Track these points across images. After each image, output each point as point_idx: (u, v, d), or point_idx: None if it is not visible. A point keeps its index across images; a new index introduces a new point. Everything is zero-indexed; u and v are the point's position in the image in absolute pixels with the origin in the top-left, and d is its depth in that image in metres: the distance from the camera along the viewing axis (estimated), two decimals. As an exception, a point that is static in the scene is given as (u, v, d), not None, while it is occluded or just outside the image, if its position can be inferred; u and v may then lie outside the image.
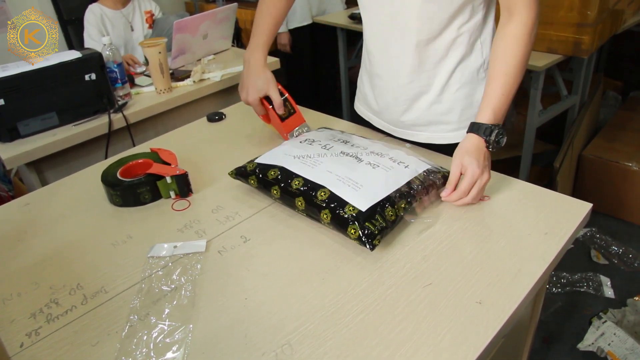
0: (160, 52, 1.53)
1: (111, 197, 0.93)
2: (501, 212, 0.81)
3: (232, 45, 2.08)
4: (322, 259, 0.74)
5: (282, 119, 1.03)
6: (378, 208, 0.74)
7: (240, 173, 0.91)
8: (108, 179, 0.93)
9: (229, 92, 1.77)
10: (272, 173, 0.85)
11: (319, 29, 2.81)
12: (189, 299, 0.68)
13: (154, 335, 0.63)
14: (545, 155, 2.35)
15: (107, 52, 1.47)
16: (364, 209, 0.73)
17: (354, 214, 0.73)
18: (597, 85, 2.42)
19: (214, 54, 2.00)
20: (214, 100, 1.75)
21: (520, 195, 0.85)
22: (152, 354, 0.60)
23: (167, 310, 0.67)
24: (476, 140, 0.82)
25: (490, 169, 0.83)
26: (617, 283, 1.78)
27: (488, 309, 0.63)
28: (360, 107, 1.16)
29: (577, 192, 2.22)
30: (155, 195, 0.93)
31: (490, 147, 0.82)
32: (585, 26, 1.76)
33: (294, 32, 2.78)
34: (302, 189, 0.80)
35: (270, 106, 1.03)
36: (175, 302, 0.68)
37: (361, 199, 0.75)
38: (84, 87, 1.41)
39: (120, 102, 1.52)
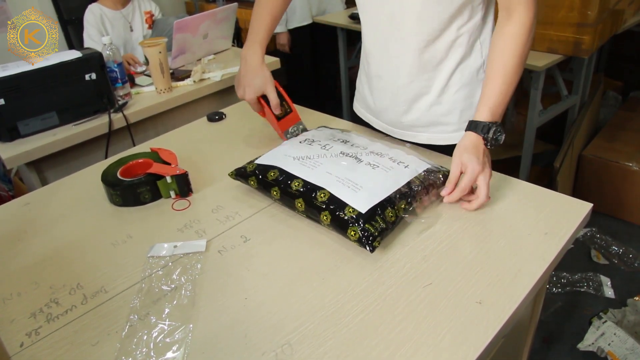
0: (160, 52, 1.53)
1: (111, 196, 0.93)
2: (501, 212, 0.81)
3: (232, 45, 2.08)
4: (322, 259, 0.74)
5: (278, 118, 1.04)
6: (378, 209, 0.74)
7: (240, 174, 0.91)
8: (108, 178, 0.93)
9: (229, 92, 1.77)
10: (272, 174, 0.85)
11: (319, 29, 2.81)
12: (189, 298, 0.68)
13: (154, 335, 0.63)
14: (545, 155, 2.35)
15: (107, 52, 1.47)
16: (363, 211, 0.73)
17: (353, 216, 0.73)
18: (597, 85, 2.42)
19: (214, 54, 2.00)
20: (214, 100, 1.75)
21: (520, 195, 0.85)
22: (152, 354, 0.60)
23: (167, 310, 0.67)
24: (474, 138, 0.82)
25: (490, 166, 0.83)
26: (617, 283, 1.78)
27: (488, 309, 0.63)
28: (359, 108, 1.16)
29: (577, 192, 2.22)
30: (155, 195, 0.93)
31: (489, 144, 0.82)
32: (585, 26, 1.76)
33: (294, 32, 2.78)
34: (301, 190, 0.80)
35: (267, 105, 1.03)
36: (175, 302, 0.68)
37: (361, 201, 0.74)
38: (84, 86, 1.41)
39: (120, 102, 1.52)
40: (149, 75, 1.72)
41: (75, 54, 1.40)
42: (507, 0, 0.82)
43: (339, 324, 0.62)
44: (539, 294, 0.93)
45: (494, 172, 0.91)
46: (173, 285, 0.71)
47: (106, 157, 1.45)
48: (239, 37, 3.11)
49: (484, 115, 0.83)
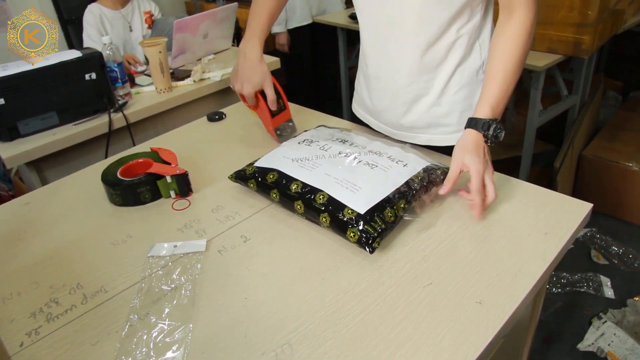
0: (160, 52, 1.53)
1: (111, 196, 0.93)
2: (501, 212, 0.81)
3: (233, 45, 2.08)
4: (322, 259, 0.74)
5: (273, 114, 1.04)
6: (377, 210, 0.74)
7: (240, 177, 0.91)
8: (108, 178, 0.93)
9: (229, 91, 1.77)
10: (271, 177, 0.85)
11: (319, 29, 2.81)
12: (189, 298, 0.68)
13: (153, 335, 0.63)
14: (545, 155, 2.35)
15: (108, 52, 1.47)
16: (362, 212, 0.73)
17: (352, 217, 0.73)
18: (597, 86, 2.42)
19: (214, 54, 2.00)
20: (214, 99, 1.75)
21: (520, 195, 0.85)
22: (152, 354, 0.60)
23: (167, 310, 0.66)
24: (475, 136, 0.82)
25: (492, 163, 0.83)
26: (617, 283, 1.78)
27: (488, 309, 0.63)
28: (358, 110, 1.16)
29: (577, 192, 2.22)
30: (155, 195, 0.93)
31: (489, 141, 0.82)
32: (585, 26, 1.76)
33: (294, 32, 2.78)
34: (300, 192, 0.80)
35: (264, 100, 1.03)
36: (175, 302, 0.68)
37: (360, 202, 0.74)
38: (84, 86, 1.41)
39: (120, 102, 1.52)
40: (149, 75, 1.72)
41: (75, 54, 1.40)
42: (508, 0, 0.82)
43: (339, 323, 0.62)
44: (539, 294, 0.93)
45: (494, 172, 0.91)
46: (173, 285, 0.71)
47: (106, 157, 1.45)
48: (239, 37, 3.09)
49: (484, 112, 0.82)
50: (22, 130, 1.36)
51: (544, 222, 0.78)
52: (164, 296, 0.69)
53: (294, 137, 0.98)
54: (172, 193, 0.93)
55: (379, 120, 1.08)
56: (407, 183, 0.79)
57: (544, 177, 2.20)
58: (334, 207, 0.75)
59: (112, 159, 1.03)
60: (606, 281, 1.79)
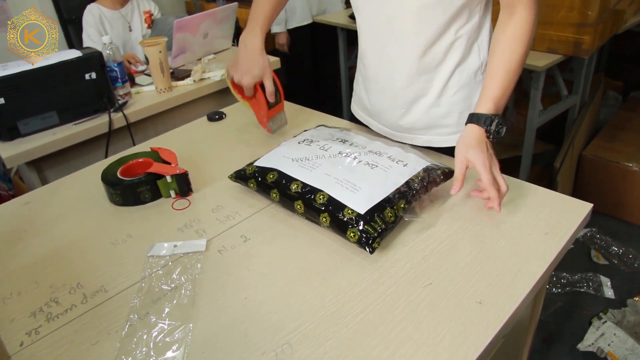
0: (160, 51, 1.53)
1: (111, 196, 0.93)
2: (501, 212, 0.81)
3: (233, 45, 2.08)
4: (322, 259, 0.74)
5: (270, 106, 1.04)
6: (377, 210, 0.74)
7: (240, 176, 0.91)
8: (108, 178, 0.93)
9: (229, 91, 1.76)
10: (271, 176, 0.85)
11: (319, 29, 2.81)
12: (189, 298, 0.68)
13: (153, 335, 0.63)
14: (545, 155, 2.35)
15: (108, 51, 1.47)
16: (362, 212, 0.73)
17: (352, 217, 0.73)
18: (597, 86, 2.42)
19: (214, 54, 2.00)
20: (214, 99, 1.75)
21: (520, 195, 0.85)
22: (152, 353, 0.60)
23: (167, 310, 0.67)
24: (477, 131, 0.81)
25: (496, 156, 0.81)
26: (617, 283, 1.78)
27: (488, 309, 0.63)
28: (357, 111, 1.15)
29: (577, 192, 2.22)
30: (156, 195, 0.93)
31: (491, 137, 0.81)
32: (585, 26, 1.76)
33: (294, 32, 2.78)
34: (300, 192, 0.80)
35: (262, 91, 1.03)
36: (175, 301, 0.68)
37: (360, 202, 0.74)
38: (84, 86, 1.41)
39: (120, 101, 1.52)
40: (149, 75, 1.72)
41: (75, 54, 1.40)
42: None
43: (339, 323, 0.62)
44: (539, 294, 0.93)
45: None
46: (173, 285, 0.71)
47: (106, 157, 1.45)
48: (239, 37, 3.10)
49: (486, 108, 0.82)
50: (22, 130, 1.36)
51: (544, 222, 0.78)
52: (164, 296, 0.69)
53: (294, 136, 0.98)
54: (172, 193, 0.93)
55: (378, 122, 1.08)
56: (407, 183, 0.79)
57: (544, 177, 2.20)
58: (334, 207, 0.75)
59: (112, 159, 1.03)
60: (606, 281, 1.79)
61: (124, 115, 1.48)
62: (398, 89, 0.97)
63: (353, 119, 1.18)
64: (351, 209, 0.74)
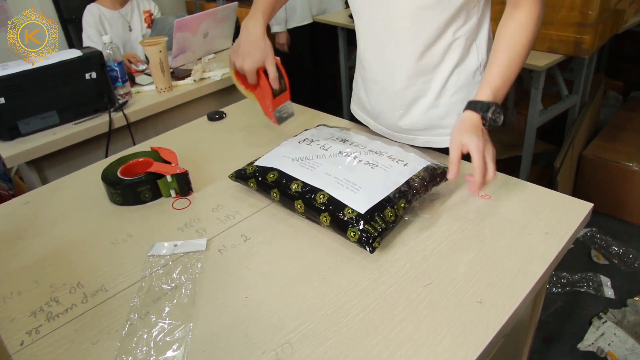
0: (160, 51, 1.53)
1: (111, 195, 0.93)
2: (501, 212, 0.81)
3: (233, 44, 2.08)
4: (322, 258, 0.74)
5: (275, 94, 0.99)
6: (377, 209, 0.74)
7: (240, 176, 0.91)
8: (108, 177, 0.93)
9: (230, 91, 1.77)
10: (271, 176, 0.85)
11: (319, 29, 2.81)
12: (189, 297, 0.68)
13: (154, 334, 0.63)
14: (545, 155, 2.35)
15: (108, 51, 1.47)
16: (362, 211, 0.73)
17: (353, 217, 0.73)
18: (597, 85, 2.42)
19: (215, 53, 2.01)
20: (214, 99, 1.75)
21: (520, 195, 0.85)
22: (152, 353, 0.60)
23: (167, 309, 0.67)
24: (473, 117, 0.81)
25: (492, 143, 0.80)
26: (617, 283, 1.78)
27: (488, 308, 0.63)
28: (357, 111, 1.15)
29: (577, 192, 2.22)
30: (156, 194, 0.93)
31: (487, 124, 0.80)
32: (586, 26, 1.76)
33: (294, 32, 2.78)
34: (301, 192, 0.80)
35: (266, 78, 0.98)
36: (175, 301, 0.68)
37: (360, 201, 0.74)
38: (84, 85, 1.41)
39: (120, 101, 1.52)
40: (149, 74, 1.72)
41: (75, 53, 1.40)
42: None
43: (339, 323, 0.62)
44: (539, 294, 0.93)
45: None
46: (173, 284, 0.71)
47: (106, 156, 1.45)
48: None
49: (485, 95, 0.81)
50: (22, 130, 1.36)
51: (544, 222, 0.78)
52: (164, 295, 0.69)
53: (294, 136, 0.98)
54: (173, 192, 0.93)
55: (377, 122, 1.08)
56: (407, 182, 0.79)
57: (544, 177, 2.20)
58: (334, 207, 0.75)
59: (112, 158, 1.03)
60: (606, 281, 1.79)
61: (124, 114, 1.48)
62: (397, 90, 0.97)
63: (353, 119, 1.18)
64: (351, 209, 0.74)
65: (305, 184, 0.80)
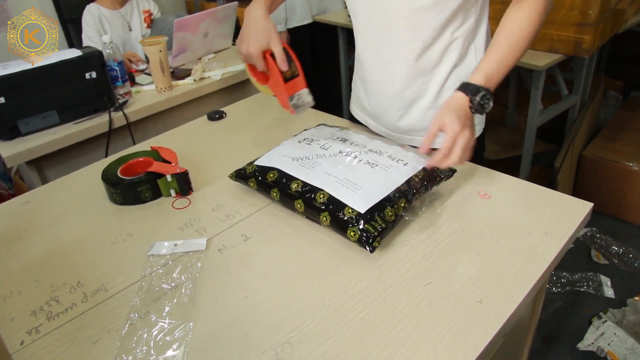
0: (160, 51, 1.53)
1: (111, 195, 0.93)
2: (501, 212, 0.81)
3: (233, 44, 2.08)
4: (322, 258, 0.74)
5: (285, 79, 0.92)
6: (377, 209, 0.74)
7: (240, 175, 0.91)
8: (108, 177, 0.93)
9: (230, 90, 1.77)
10: (271, 175, 0.85)
11: (319, 28, 2.81)
12: (189, 297, 0.68)
13: (154, 333, 0.63)
14: (545, 155, 2.35)
15: (108, 51, 1.47)
16: (363, 211, 0.73)
17: (353, 216, 0.73)
18: (598, 85, 2.42)
19: (215, 53, 2.00)
20: (214, 98, 1.75)
21: (520, 195, 0.85)
22: (152, 352, 0.60)
23: (167, 309, 0.67)
24: (460, 98, 0.80)
25: (473, 129, 0.80)
26: (617, 283, 1.78)
27: (488, 308, 0.63)
28: (356, 111, 1.15)
29: (577, 192, 2.22)
30: (156, 194, 0.93)
31: (474, 108, 0.80)
32: (586, 26, 1.76)
33: (294, 32, 2.78)
34: (301, 191, 0.80)
35: (274, 61, 0.92)
36: (175, 300, 0.68)
37: (360, 201, 0.74)
38: (84, 85, 1.41)
39: (120, 101, 1.52)
40: (149, 74, 1.72)
41: (75, 53, 1.40)
42: None
43: (339, 322, 0.62)
44: (539, 294, 0.93)
45: (494, 172, 0.91)
46: (173, 284, 0.71)
47: (106, 156, 1.44)
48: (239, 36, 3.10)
49: (477, 79, 0.81)
50: (22, 129, 1.36)
51: (544, 221, 0.78)
52: (164, 295, 0.69)
53: (295, 135, 0.98)
54: (173, 192, 0.93)
55: (377, 123, 1.08)
56: (407, 182, 0.79)
57: (545, 176, 2.20)
58: (334, 206, 0.75)
59: (112, 158, 1.03)
60: (606, 281, 1.79)
61: (124, 114, 1.48)
62: (396, 92, 0.97)
63: (353, 119, 1.18)
64: (351, 208, 0.74)
65: (305, 184, 0.80)
